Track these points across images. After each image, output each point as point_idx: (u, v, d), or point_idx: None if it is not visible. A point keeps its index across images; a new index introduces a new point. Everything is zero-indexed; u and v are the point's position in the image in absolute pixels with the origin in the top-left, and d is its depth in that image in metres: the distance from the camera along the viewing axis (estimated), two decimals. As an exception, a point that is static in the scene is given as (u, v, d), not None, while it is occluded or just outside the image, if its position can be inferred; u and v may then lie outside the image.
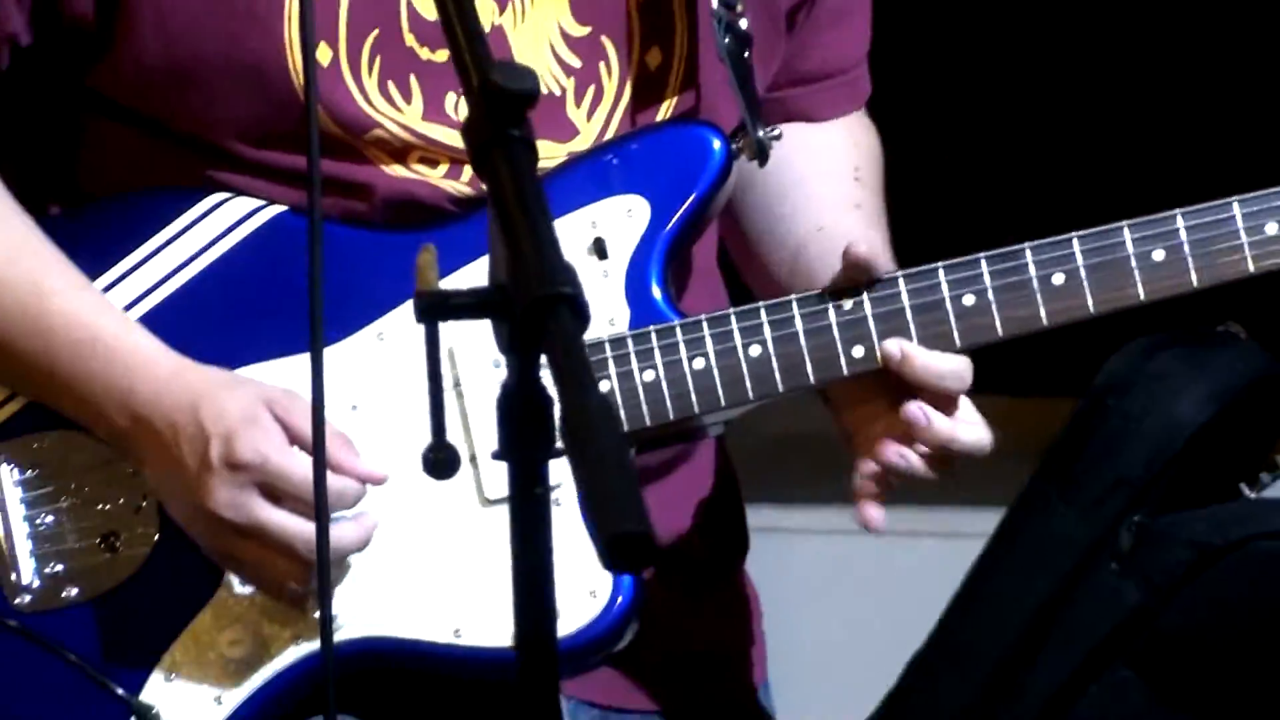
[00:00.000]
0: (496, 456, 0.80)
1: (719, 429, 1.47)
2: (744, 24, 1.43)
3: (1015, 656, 1.55)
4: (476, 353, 1.35)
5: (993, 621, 1.60)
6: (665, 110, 1.47)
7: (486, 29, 1.39)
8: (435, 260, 0.82)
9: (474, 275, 1.29)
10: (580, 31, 1.44)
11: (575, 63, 1.44)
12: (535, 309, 0.76)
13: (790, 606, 2.55)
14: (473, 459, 1.34)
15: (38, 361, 1.38)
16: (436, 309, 0.80)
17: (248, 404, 1.33)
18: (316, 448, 1.01)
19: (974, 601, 1.61)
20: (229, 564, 1.36)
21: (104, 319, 1.38)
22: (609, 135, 1.45)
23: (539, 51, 1.43)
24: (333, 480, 1.28)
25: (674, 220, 1.42)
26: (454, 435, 1.19)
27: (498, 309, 0.80)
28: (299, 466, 1.31)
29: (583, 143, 1.44)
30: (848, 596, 2.80)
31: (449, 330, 1.27)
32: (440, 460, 0.84)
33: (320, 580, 1.02)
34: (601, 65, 1.45)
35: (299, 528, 1.31)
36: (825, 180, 1.58)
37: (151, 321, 1.39)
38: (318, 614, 1.32)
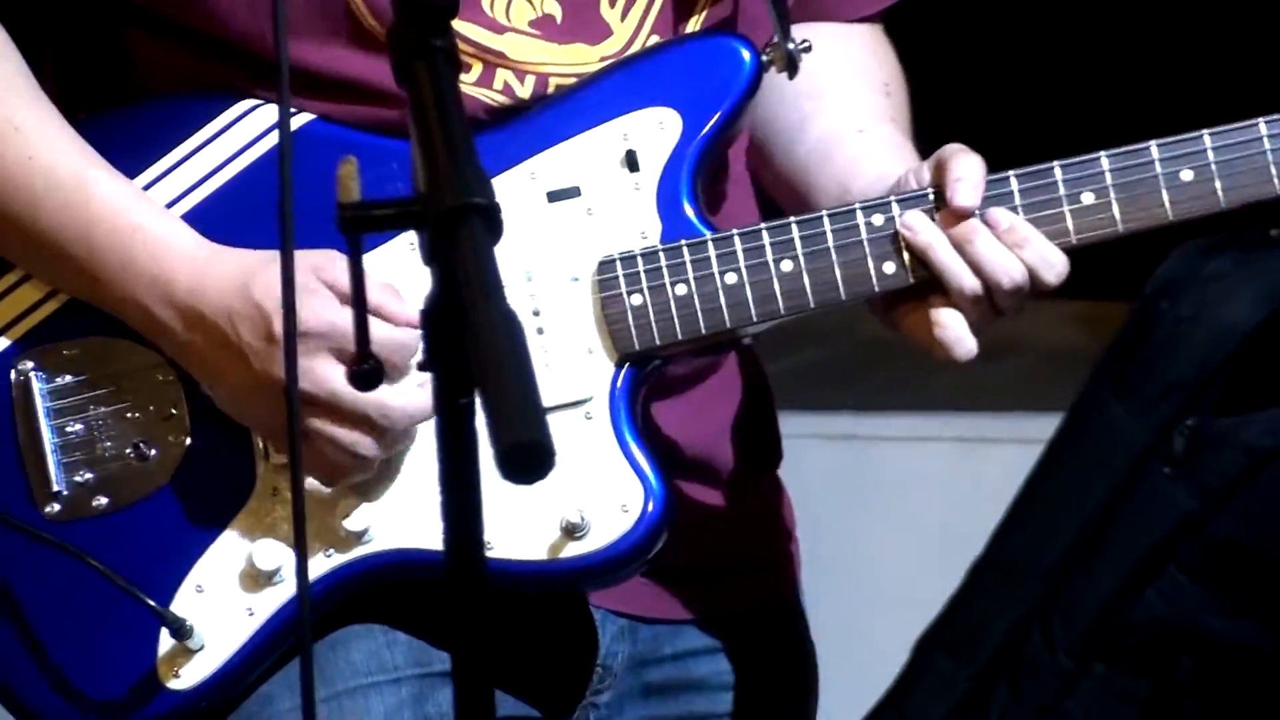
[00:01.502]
0: (421, 367, 0.80)
1: (749, 340, 1.44)
2: None
3: (1071, 562, 1.52)
4: (554, 273, 1.34)
5: (1048, 527, 1.57)
6: (700, 11, 1.41)
7: None
8: (356, 171, 0.82)
9: (502, 187, 1.24)
10: None
11: None
12: (447, 219, 0.76)
13: (866, 512, 2.51)
14: None
15: (78, 251, 1.36)
16: (359, 221, 0.80)
17: (298, 274, 1.23)
18: (288, 353, 1.01)
19: (1031, 507, 1.58)
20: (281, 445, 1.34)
21: (146, 210, 1.36)
22: (643, 37, 1.41)
23: None
24: (392, 332, 1.28)
25: (704, 132, 1.38)
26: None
27: (418, 219, 0.79)
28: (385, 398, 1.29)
29: (616, 44, 1.40)
30: (925, 502, 2.73)
31: (527, 255, 1.31)
32: (363, 373, 0.85)
33: (295, 497, 1.01)
34: None
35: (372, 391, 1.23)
36: (858, 89, 1.52)
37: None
38: (346, 524, 1.33)
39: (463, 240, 0.76)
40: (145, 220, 1.34)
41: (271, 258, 1.30)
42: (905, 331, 1.38)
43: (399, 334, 1.28)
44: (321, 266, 1.30)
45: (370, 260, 1.31)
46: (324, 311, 1.28)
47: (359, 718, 1.36)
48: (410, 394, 1.31)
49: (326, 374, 1.27)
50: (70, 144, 1.36)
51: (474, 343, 0.74)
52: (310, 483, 1.33)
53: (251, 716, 1.38)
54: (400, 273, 1.32)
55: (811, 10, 1.49)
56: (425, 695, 1.38)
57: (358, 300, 0.82)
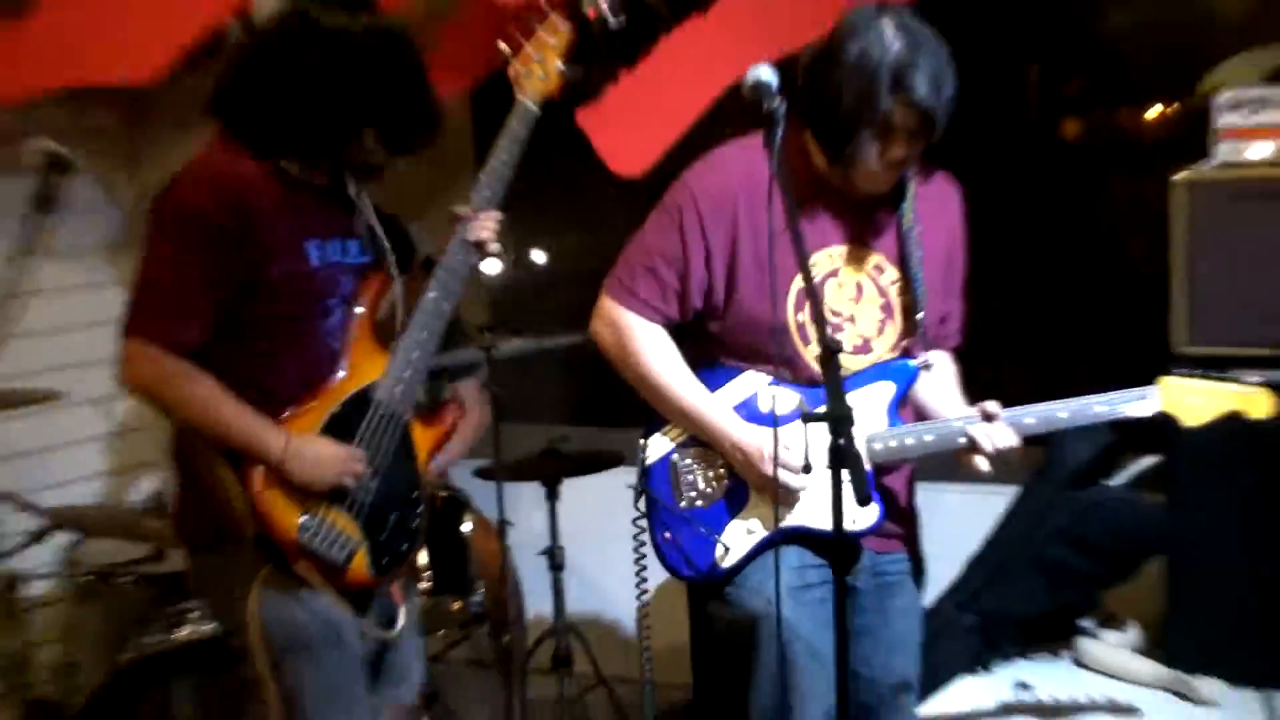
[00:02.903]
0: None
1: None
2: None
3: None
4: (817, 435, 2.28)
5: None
6: (901, 341, 2.87)
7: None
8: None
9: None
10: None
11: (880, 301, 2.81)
12: (835, 422, 2.15)
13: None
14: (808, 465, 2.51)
15: (697, 422, 2.83)
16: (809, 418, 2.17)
17: (755, 442, 2.72)
18: (775, 461, 2.78)
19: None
20: (760, 489, 2.76)
21: (721, 410, 2.82)
22: (881, 355, 2.86)
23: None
24: (787, 477, 2.67)
25: (900, 391, 2.83)
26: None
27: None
28: (790, 473, 2.65)
29: (877, 356, 2.86)
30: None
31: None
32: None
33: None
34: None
35: (789, 479, 2.67)
36: (946, 377, 2.95)
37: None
38: (778, 514, 2.71)
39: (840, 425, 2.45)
40: (721, 414, 2.81)
41: (754, 433, 2.75)
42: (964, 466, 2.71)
43: (794, 479, 2.71)
44: (765, 450, 2.71)
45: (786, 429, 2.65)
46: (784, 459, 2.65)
47: (799, 603, 2.74)
48: (795, 480, 2.70)
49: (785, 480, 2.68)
50: (697, 384, 2.85)
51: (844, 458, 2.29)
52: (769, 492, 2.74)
53: (747, 579, 2.79)
54: (813, 434, 2.34)
55: (935, 344, 2.93)
56: (826, 595, 2.57)
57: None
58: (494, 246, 2.86)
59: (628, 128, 3.88)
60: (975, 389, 2.90)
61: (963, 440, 2.72)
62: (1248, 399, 2.72)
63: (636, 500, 2.88)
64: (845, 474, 2.09)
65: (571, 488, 4.22)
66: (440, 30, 4.34)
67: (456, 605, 4.02)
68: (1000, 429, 2.69)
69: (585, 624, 4.46)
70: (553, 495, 4.18)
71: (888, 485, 2.90)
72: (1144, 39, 4.37)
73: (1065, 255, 4.49)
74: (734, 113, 2.65)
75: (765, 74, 2.38)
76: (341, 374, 2.81)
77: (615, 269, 2.88)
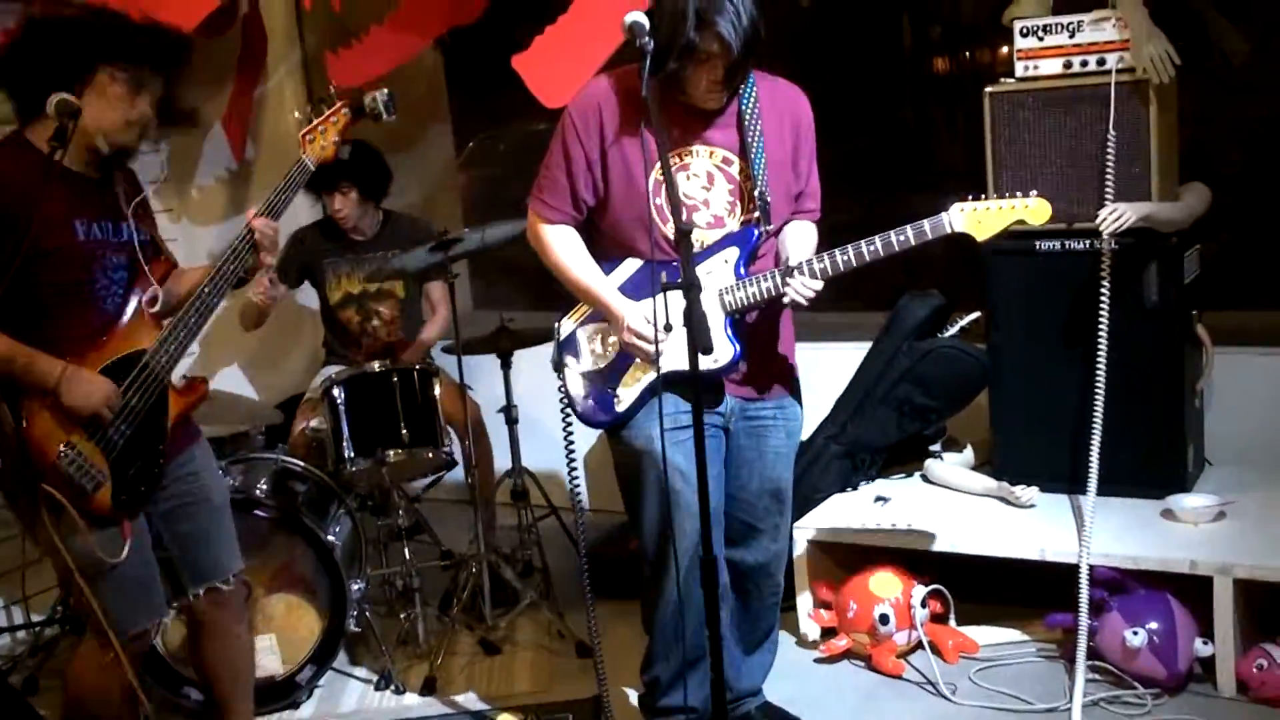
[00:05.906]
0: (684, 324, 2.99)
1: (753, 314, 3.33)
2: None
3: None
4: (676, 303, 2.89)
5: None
6: (748, 212, 3.29)
7: None
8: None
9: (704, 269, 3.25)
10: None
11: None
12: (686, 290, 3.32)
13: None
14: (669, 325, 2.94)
15: (589, 295, 3.32)
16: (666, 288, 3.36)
17: (630, 310, 3.16)
18: (655, 328, 3.74)
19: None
20: (627, 348, 3.22)
21: (607, 287, 3.29)
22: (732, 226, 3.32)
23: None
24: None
25: (746, 251, 3.30)
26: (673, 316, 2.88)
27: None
28: (645, 340, 3.12)
29: (730, 228, 3.32)
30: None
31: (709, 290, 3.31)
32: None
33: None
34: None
35: (643, 344, 3.13)
36: (798, 230, 3.41)
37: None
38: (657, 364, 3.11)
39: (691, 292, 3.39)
40: (606, 290, 3.29)
41: (627, 305, 3.21)
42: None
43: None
44: (628, 319, 3.22)
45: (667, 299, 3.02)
46: (632, 323, 3.21)
47: (672, 434, 3.24)
48: (650, 347, 3.15)
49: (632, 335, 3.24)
50: (593, 268, 3.33)
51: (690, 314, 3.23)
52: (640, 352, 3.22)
53: (635, 423, 3.32)
54: (672, 305, 2.97)
55: (795, 217, 3.44)
56: (683, 429, 3.20)
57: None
58: (268, 258, 3.31)
59: (552, 69, 4.52)
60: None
61: (781, 289, 3.26)
62: (1028, 210, 3.24)
63: (556, 370, 3.46)
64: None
65: (521, 359, 4.91)
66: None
67: (429, 454, 4.68)
68: (803, 281, 3.24)
69: (536, 466, 5.18)
70: (506, 365, 4.88)
71: (766, 347, 3.46)
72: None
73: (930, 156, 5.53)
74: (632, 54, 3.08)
75: (638, 17, 2.87)
76: (114, 337, 3.17)
77: (534, 185, 3.41)
